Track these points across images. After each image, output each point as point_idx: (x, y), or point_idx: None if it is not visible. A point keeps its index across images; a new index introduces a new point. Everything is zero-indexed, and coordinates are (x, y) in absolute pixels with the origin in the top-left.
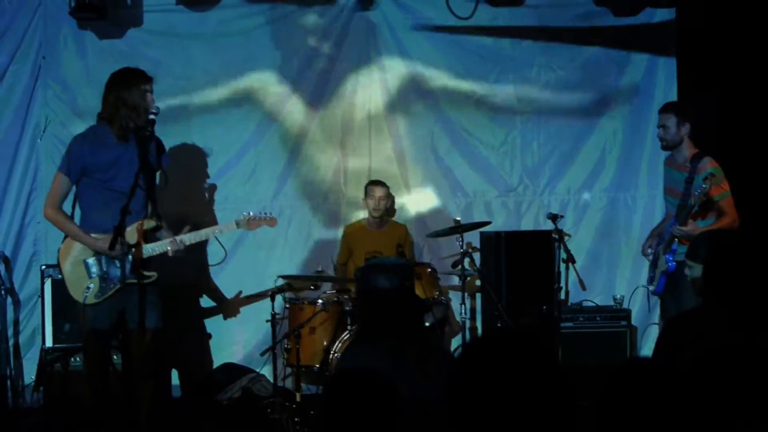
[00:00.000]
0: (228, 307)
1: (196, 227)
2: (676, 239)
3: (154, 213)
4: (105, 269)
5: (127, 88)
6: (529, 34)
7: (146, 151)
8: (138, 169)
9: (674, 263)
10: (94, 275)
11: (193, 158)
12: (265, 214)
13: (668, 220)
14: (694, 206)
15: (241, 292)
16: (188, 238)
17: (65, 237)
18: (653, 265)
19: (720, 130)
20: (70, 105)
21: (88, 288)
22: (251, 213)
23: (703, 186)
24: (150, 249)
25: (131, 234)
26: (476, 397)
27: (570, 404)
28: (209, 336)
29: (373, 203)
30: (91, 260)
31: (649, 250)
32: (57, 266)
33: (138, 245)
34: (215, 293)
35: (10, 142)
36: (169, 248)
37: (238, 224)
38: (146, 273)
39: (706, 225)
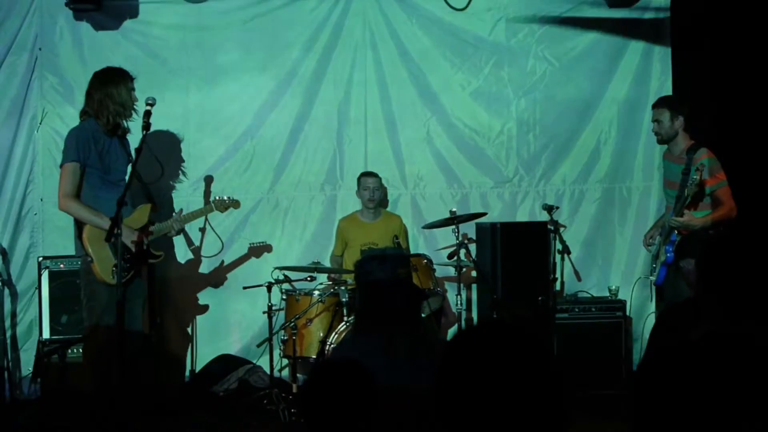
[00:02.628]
0: (214, 279)
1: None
2: (675, 230)
3: (150, 199)
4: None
5: (116, 86)
6: (524, 24)
7: (126, 144)
8: (133, 161)
9: (673, 254)
10: (117, 256)
11: (190, 150)
12: (230, 197)
13: (668, 212)
14: (687, 197)
15: (223, 262)
16: (185, 218)
17: (80, 224)
18: (655, 256)
19: (715, 121)
20: (67, 97)
21: (115, 267)
22: (217, 197)
23: (694, 177)
24: (157, 228)
25: (138, 218)
26: (464, 386)
27: (560, 395)
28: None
29: (368, 194)
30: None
31: (651, 241)
32: (83, 252)
33: (145, 228)
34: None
35: (6, 133)
36: (173, 227)
37: (214, 206)
38: (155, 252)
39: (703, 215)
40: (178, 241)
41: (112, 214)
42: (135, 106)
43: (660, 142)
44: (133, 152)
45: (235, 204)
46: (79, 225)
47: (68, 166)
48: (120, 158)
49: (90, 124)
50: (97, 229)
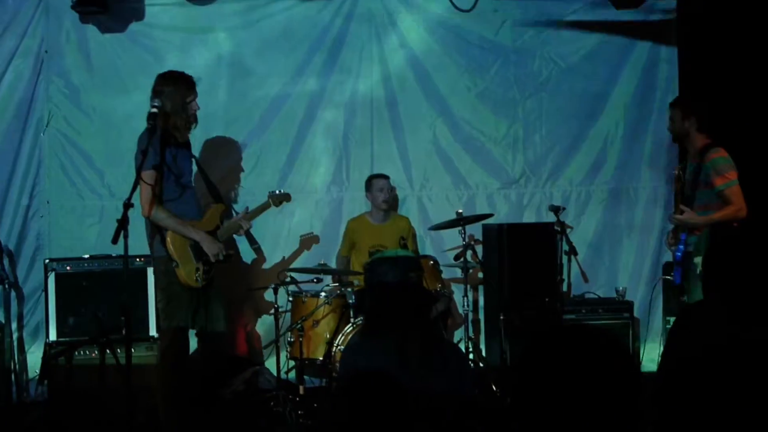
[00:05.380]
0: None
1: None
2: (685, 229)
3: (219, 199)
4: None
5: (168, 96)
6: (530, 25)
7: (189, 146)
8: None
9: (680, 253)
10: (198, 259)
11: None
12: (281, 191)
13: None
14: (676, 194)
15: (284, 258)
16: (251, 214)
17: (161, 229)
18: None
19: (723, 122)
20: (73, 99)
21: (197, 270)
22: (275, 191)
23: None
24: (225, 228)
25: (211, 219)
26: (544, 390)
27: (638, 397)
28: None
29: (382, 196)
30: (193, 245)
31: (672, 241)
32: (166, 257)
33: (218, 228)
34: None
35: (13, 136)
36: (242, 226)
37: (271, 201)
38: (228, 252)
39: (708, 214)
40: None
41: (188, 217)
42: (194, 115)
43: (674, 140)
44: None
45: (287, 197)
46: (160, 230)
47: (148, 173)
48: (187, 161)
49: (160, 130)
50: (180, 235)
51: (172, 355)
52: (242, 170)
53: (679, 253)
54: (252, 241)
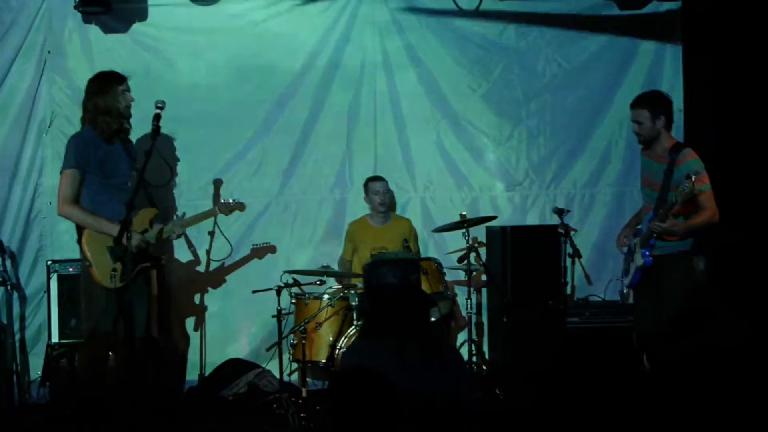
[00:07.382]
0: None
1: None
2: (655, 234)
3: (152, 203)
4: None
5: (102, 94)
6: (534, 27)
7: (128, 146)
8: (141, 164)
9: (651, 258)
10: (115, 260)
11: (199, 153)
12: (235, 200)
13: (646, 212)
14: (675, 203)
15: (224, 263)
16: (188, 221)
17: (80, 229)
18: (628, 257)
19: (724, 121)
20: (76, 99)
21: (114, 271)
22: (223, 200)
23: (686, 184)
24: (158, 232)
25: (138, 221)
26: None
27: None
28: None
29: (378, 198)
30: (112, 246)
31: (626, 241)
32: (82, 256)
33: (146, 231)
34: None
35: (15, 137)
36: (174, 231)
37: (219, 209)
38: (154, 255)
39: (690, 218)
40: (180, 244)
41: (114, 217)
42: (125, 109)
43: (642, 143)
44: (139, 154)
45: (240, 207)
46: (79, 230)
47: (67, 173)
48: (122, 162)
49: (89, 130)
50: (96, 233)
51: (88, 356)
52: (192, 164)
53: (649, 259)
54: (189, 244)
